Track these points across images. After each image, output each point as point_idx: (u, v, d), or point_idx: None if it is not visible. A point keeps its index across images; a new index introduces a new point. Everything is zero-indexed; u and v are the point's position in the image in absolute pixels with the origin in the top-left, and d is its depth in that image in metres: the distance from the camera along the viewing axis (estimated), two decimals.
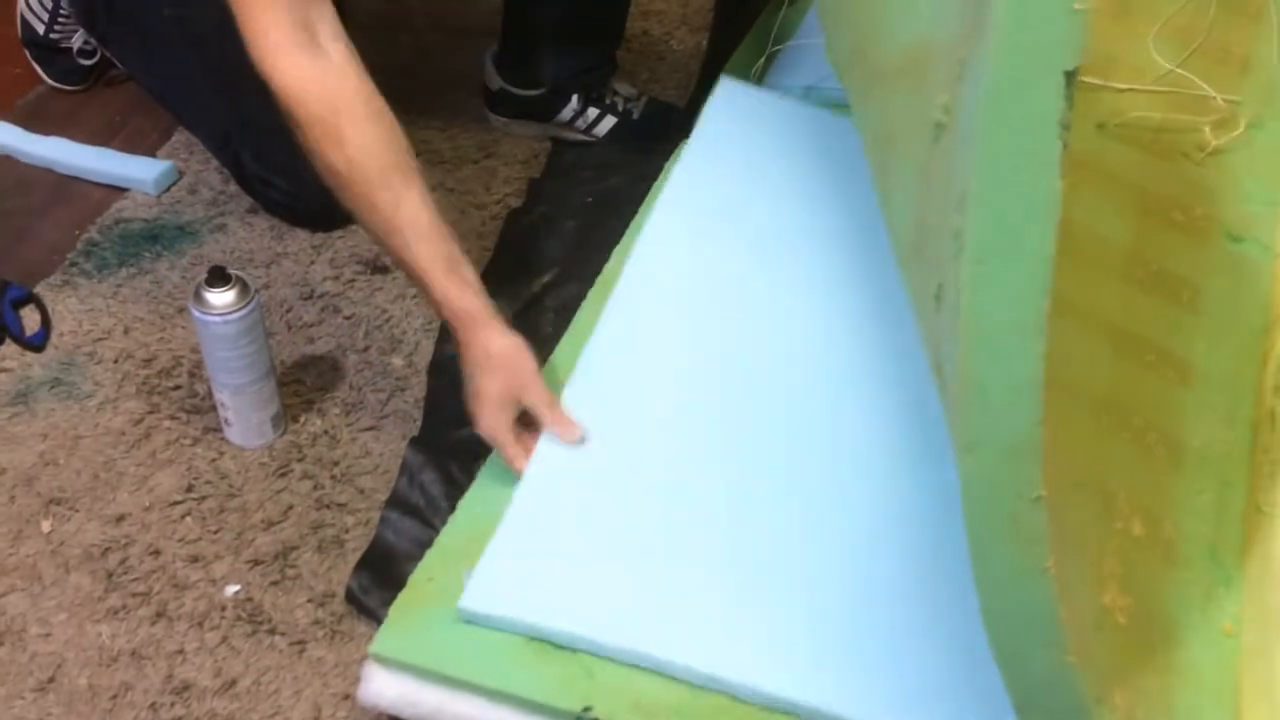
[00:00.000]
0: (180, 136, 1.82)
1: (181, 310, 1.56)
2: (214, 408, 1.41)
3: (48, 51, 1.89)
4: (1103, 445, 1.14)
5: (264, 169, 1.65)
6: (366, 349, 1.54)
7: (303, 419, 1.45)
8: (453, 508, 1.29)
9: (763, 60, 1.81)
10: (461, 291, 1.26)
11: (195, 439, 1.42)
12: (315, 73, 1.23)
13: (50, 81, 1.91)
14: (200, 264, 1.62)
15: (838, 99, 1.67)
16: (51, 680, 1.20)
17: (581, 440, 1.26)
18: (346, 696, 1.20)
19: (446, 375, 1.49)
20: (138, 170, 1.75)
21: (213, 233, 1.68)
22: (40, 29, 1.86)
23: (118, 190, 1.74)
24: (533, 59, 1.79)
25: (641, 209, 1.58)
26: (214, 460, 1.40)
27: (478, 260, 1.63)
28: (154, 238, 1.67)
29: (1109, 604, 1.01)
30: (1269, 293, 1.35)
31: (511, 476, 1.27)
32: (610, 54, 1.84)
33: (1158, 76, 1.56)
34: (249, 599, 1.27)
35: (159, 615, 1.26)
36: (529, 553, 1.20)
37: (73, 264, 1.63)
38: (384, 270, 1.63)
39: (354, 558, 1.30)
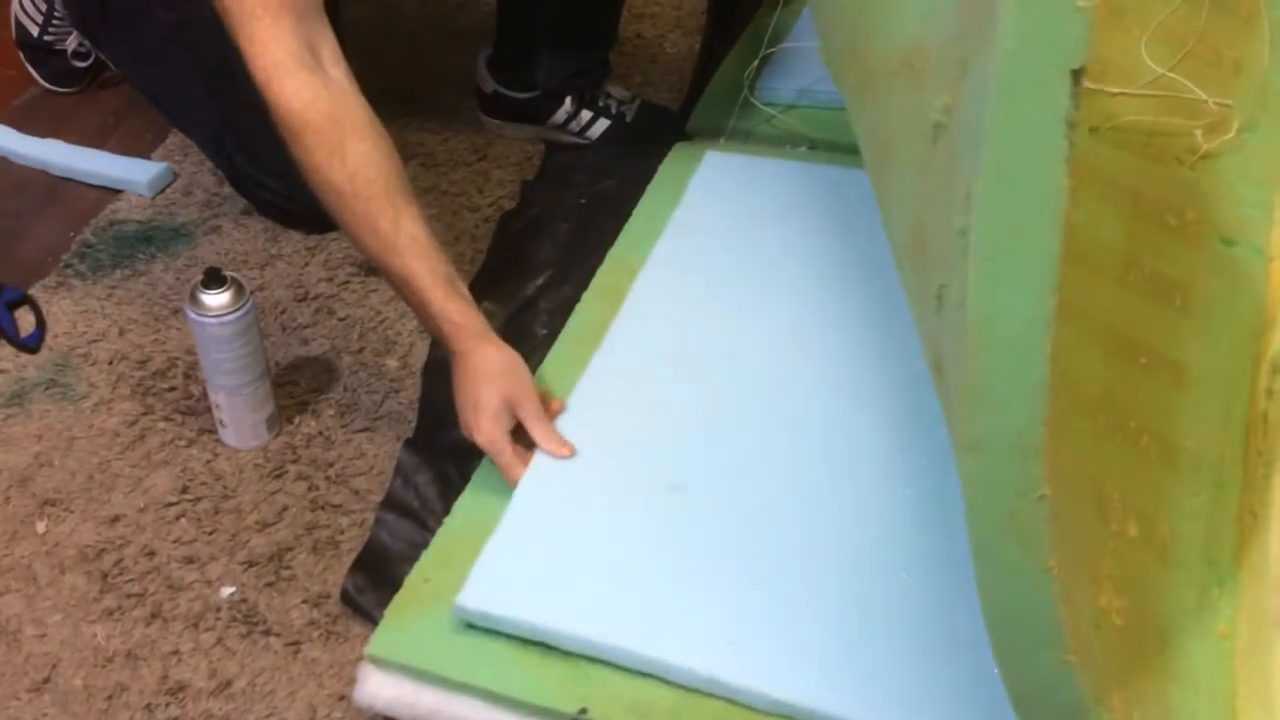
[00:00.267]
0: (175, 138, 1.82)
1: (176, 312, 1.56)
2: (209, 409, 1.41)
3: (42, 54, 1.89)
4: (1098, 447, 1.14)
5: (258, 171, 1.65)
6: (361, 350, 1.54)
7: (297, 420, 1.45)
8: (447, 509, 1.30)
9: (756, 63, 1.81)
10: (460, 306, 1.28)
11: (190, 440, 1.42)
12: (320, 92, 1.26)
13: (44, 83, 1.91)
14: (194, 265, 1.62)
15: (832, 101, 1.68)
16: (47, 681, 1.20)
17: (571, 455, 1.28)
18: (342, 697, 1.19)
19: (441, 377, 1.49)
20: (132, 172, 1.75)
21: (207, 234, 1.68)
22: (34, 31, 1.86)
23: (112, 192, 1.74)
24: (526, 62, 1.79)
25: (629, 226, 1.61)
26: (209, 462, 1.40)
27: (471, 262, 1.64)
28: (148, 239, 1.67)
29: (1105, 605, 1.01)
30: (1262, 295, 1.35)
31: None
32: (604, 57, 1.85)
33: (1150, 80, 1.56)
34: (244, 600, 1.27)
35: (154, 616, 1.25)
36: (525, 554, 1.20)
37: (67, 266, 1.63)
38: (378, 272, 1.62)
39: (349, 559, 1.30)
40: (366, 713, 1.14)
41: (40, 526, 1.33)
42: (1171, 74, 1.56)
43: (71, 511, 1.35)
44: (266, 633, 1.24)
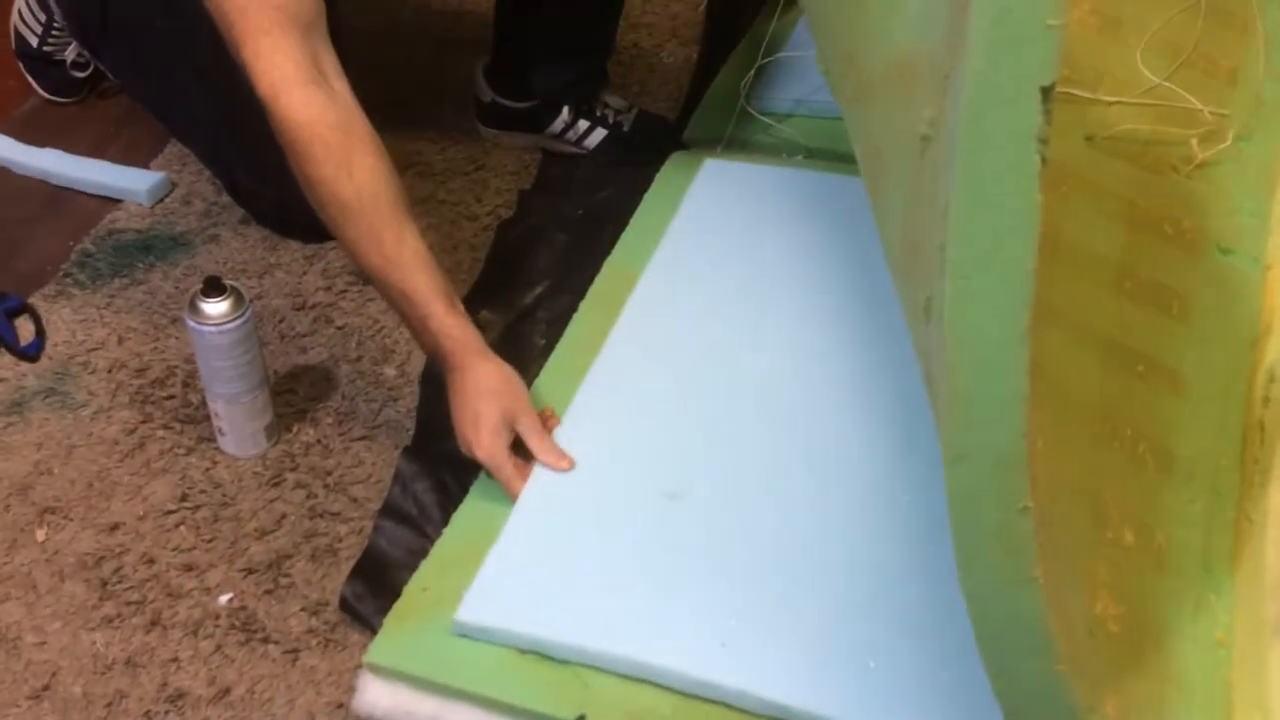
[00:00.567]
0: (173, 148, 1.82)
1: (175, 320, 1.56)
2: (207, 417, 1.42)
3: (41, 64, 1.90)
4: (1094, 455, 1.15)
5: (257, 181, 1.65)
6: (359, 359, 1.54)
7: (295, 428, 1.45)
8: (446, 517, 1.30)
9: (753, 72, 1.81)
10: (459, 322, 1.30)
11: (189, 448, 1.42)
12: (327, 106, 1.26)
13: (44, 94, 1.91)
14: (193, 274, 1.62)
15: (828, 110, 1.69)
16: (46, 688, 1.20)
17: (570, 468, 1.29)
18: (340, 705, 1.19)
19: (439, 385, 1.49)
20: (131, 181, 1.75)
21: (205, 243, 1.69)
22: (34, 42, 1.87)
23: (111, 201, 1.74)
24: (523, 72, 1.80)
25: (626, 235, 1.62)
26: (208, 470, 1.41)
27: (469, 271, 1.64)
28: (147, 248, 1.67)
29: (1101, 613, 1.01)
30: (1258, 304, 1.35)
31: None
32: (601, 66, 1.85)
33: (1146, 90, 1.56)
34: (243, 607, 1.27)
35: (153, 624, 1.26)
36: (525, 564, 1.21)
37: (67, 274, 1.63)
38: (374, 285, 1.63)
39: (347, 566, 1.30)
40: None
41: (40, 534, 1.34)
42: (1167, 83, 1.56)
43: (71, 519, 1.35)
44: (265, 640, 1.25)
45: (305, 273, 1.65)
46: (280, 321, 1.58)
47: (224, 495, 1.38)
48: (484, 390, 1.29)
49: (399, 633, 1.18)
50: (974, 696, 1.02)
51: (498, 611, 1.16)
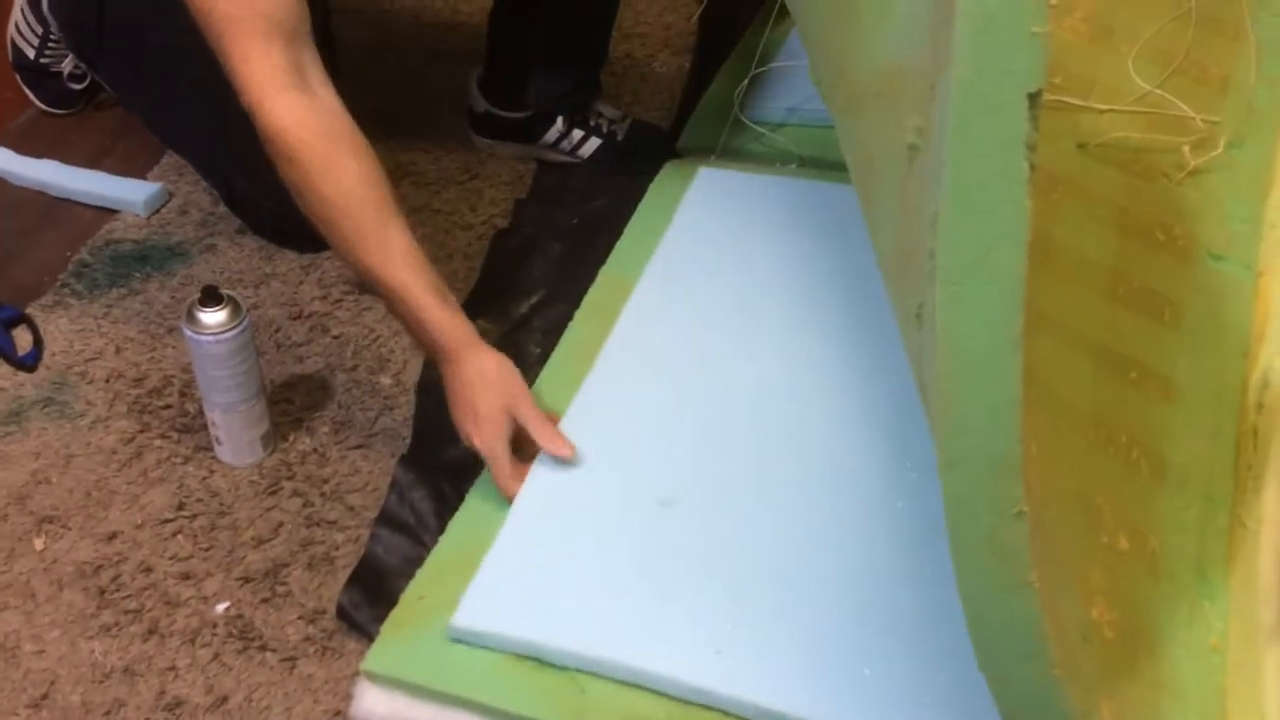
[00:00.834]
0: (170, 159, 1.83)
1: (172, 330, 1.57)
2: (205, 426, 1.42)
3: (38, 75, 1.90)
4: (1088, 461, 1.15)
5: (254, 191, 1.66)
6: (355, 368, 1.55)
7: (292, 437, 1.46)
8: (442, 525, 1.31)
9: (746, 82, 1.82)
10: (453, 317, 1.31)
11: (186, 457, 1.43)
12: (312, 111, 1.28)
13: (41, 105, 1.91)
14: (190, 284, 1.63)
15: (821, 119, 1.70)
16: (45, 697, 1.20)
17: (573, 458, 1.29)
18: (338, 713, 1.20)
19: (435, 394, 1.50)
20: (128, 192, 1.76)
21: (202, 253, 1.69)
22: (30, 53, 1.87)
23: (108, 212, 1.75)
24: (517, 82, 1.81)
25: (620, 244, 1.63)
26: (205, 478, 1.41)
27: (465, 280, 1.65)
28: (144, 259, 1.68)
29: (1096, 618, 1.02)
30: (1250, 310, 1.35)
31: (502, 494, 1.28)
32: (594, 77, 1.85)
33: (1137, 97, 1.57)
34: (240, 616, 1.28)
35: (151, 632, 1.26)
36: (520, 571, 1.21)
37: (64, 285, 1.64)
38: (371, 291, 1.63)
39: (344, 575, 1.31)
40: None
41: (38, 543, 1.34)
42: (1159, 91, 1.57)
43: (69, 528, 1.35)
44: (263, 648, 1.25)
45: (301, 282, 1.65)
46: (276, 331, 1.58)
47: (221, 504, 1.38)
48: (481, 381, 1.30)
49: (396, 640, 1.18)
50: (968, 703, 1.03)
51: (494, 618, 1.17)
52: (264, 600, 1.29)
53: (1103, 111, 1.56)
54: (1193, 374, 1.28)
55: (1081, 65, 1.60)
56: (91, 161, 1.83)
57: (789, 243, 1.59)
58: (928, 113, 0.89)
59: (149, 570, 1.32)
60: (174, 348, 1.55)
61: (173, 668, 1.23)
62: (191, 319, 1.33)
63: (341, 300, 1.63)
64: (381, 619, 1.21)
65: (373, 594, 1.28)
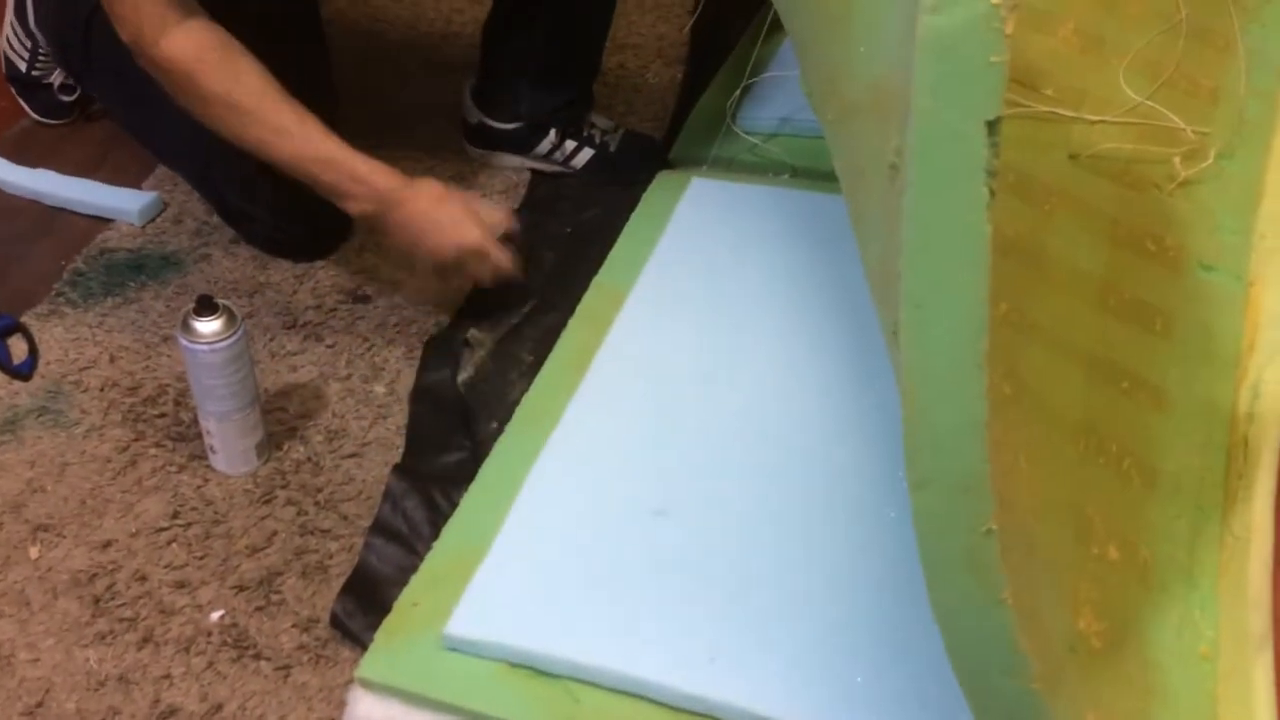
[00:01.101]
0: (164, 168, 1.83)
1: (166, 339, 1.57)
2: (199, 435, 1.42)
3: (30, 87, 1.90)
4: (1079, 471, 1.15)
5: (246, 202, 1.66)
6: (348, 376, 1.55)
7: (286, 446, 1.46)
8: (435, 533, 1.31)
9: (739, 92, 1.83)
10: (383, 167, 1.47)
11: (181, 466, 1.43)
12: (204, 30, 1.39)
13: (35, 115, 1.92)
14: (185, 293, 1.63)
15: (812, 130, 1.71)
16: (40, 705, 1.21)
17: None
18: None
19: (428, 402, 1.51)
20: (123, 201, 1.76)
21: (197, 262, 1.69)
22: (22, 66, 1.88)
23: (103, 221, 1.75)
24: (510, 94, 1.81)
25: (613, 253, 1.64)
26: (199, 487, 1.41)
27: (459, 289, 1.65)
28: (139, 267, 1.68)
29: (1084, 629, 1.02)
30: (1241, 320, 1.36)
31: (495, 503, 1.29)
32: (587, 88, 1.86)
33: (1129, 109, 1.58)
34: (234, 624, 1.28)
35: (146, 640, 1.26)
36: (515, 579, 1.22)
37: (59, 294, 1.64)
38: (365, 299, 1.64)
39: (338, 583, 1.31)
40: None
41: (33, 552, 1.34)
42: (1150, 102, 1.57)
43: (64, 537, 1.35)
44: (257, 657, 1.25)
45: (295, 291, 1.66)
46: (271, 339, 1.59)
47: (215, 513, 1.39)
48: (435, 199, 1.47)
49: (390, 647, 1.19)
50: (961, 712, 1.03)
51: (488, 626, 1.17)
52: (258, 608, 1.29)
53: (1094, 123, 1.57)
54: (1184, 384, 1.28)
55: (1073, 77, 1.60)
56: (86, 170, 1.83)
57: (781, 253, 1.60)
58: (904, 133, 0.90)
59: (144, 578, 1.32)
60: (168, 356, 1.55)
61: (167, 676, 1.23)
62: (187, 328, 1.33)
63: (335, 309, 1.63)
64: (375, 628, 1.21)
65: (366, 603, 1.28)
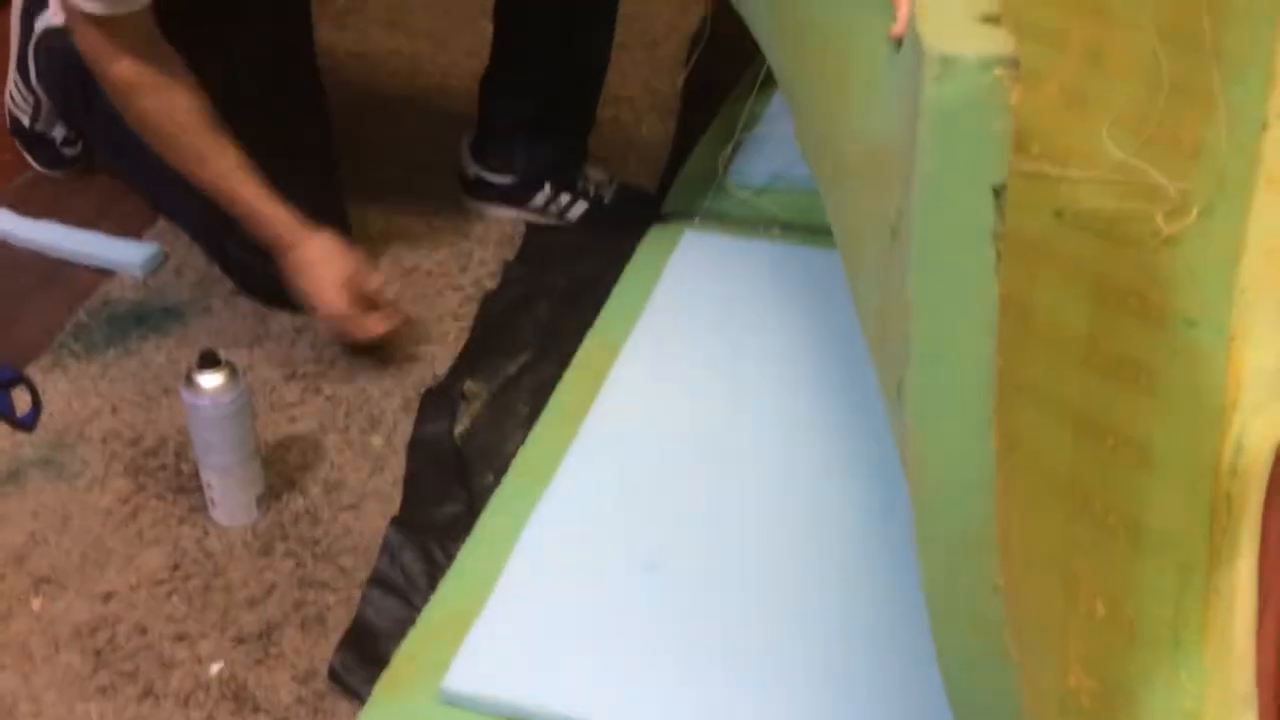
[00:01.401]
0: (165, 220, 1.85)
1: (168, 391, 1.58)
2: (199, 487, 1.44)
3: (34, 140, 1.92)
4: (1066, 528, 1.17)
5: (247, 254, 1.68)
6: (347, 428, 1.57)
7: (285, 497, 1.48)
8: (432, 586, 1.33)
9: (730, 147, 1.86)
10: (284, 211, 1.56)
11: (181, 518, 1.45)
12: (154, 59, 1.48)
13: (39, 167, 1.93)
14: (186, 345, 1.65)
15: (803, 184, 1.72)
16: None
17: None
18: None
19: (425, 454, 1.52)
20: (124, 253, 1.78)
21: (198, 315, 1.71)
22: (25, 121, 1.89)
23: (106, 273, 1.77)
24: (507, 148, 1.84)
25: (608, 305, 1.66)
26: (199, 539, 1.43)
27: (455, 341, 1.67)
28: (141, 320, 1.70)
29: (1074, 686, 1.03)
30: (1224, 376, 1.37)
31: (492, 557, 1.31)
32: (582, 143, 1.88)
33: (1112, 166, 1.60)
34: (233, 677, 1.29)
35: (146, 693, 1.27)
36: (511, 633, 1.23)
37: (62, 345, 1.65)
38: (364, 351, 1.66)
39: (336, 636, 1.32)
40: None
41: (35, 604, 1.35)
42: (1133, 160, 1.60)
43: (66, 589, 1.37)
44: (255, 710, 1.26)
45: (294, 343, 1.67)
46: (270, 391, 1.60)
47: (215, 565, 1.40)
48: (320, 256, 1.57)
49: (388, 701, 1.20)
50: None
51: (485, 680, 1.19)
52: (257, 661, 1.30)
53: (1078, 180, 1.59)
54: (1168, 440, 1.29)
55: (1058, 134, 1.62)
56: (89, 223, 1.84)
57: (773, 307, 1.62)
58: (906, 196, 0.92)
59: (144, 631, 1.33)
60: (170, 408, 1.56)
61: None
62: (190, 384, 1.35)
63: (335, 361, 1.65)
64: (373, 681, 1.23)
65: (364, 656, 1.29)
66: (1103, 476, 1.24)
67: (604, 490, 1.38)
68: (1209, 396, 1.36)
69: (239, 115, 1.58)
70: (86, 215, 1.87)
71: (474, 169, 1.86)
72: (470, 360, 1.65)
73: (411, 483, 1.50)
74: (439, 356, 1.66)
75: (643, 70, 2.18)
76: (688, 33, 2.28)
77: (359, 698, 1.24)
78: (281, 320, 1.70)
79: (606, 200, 1.86)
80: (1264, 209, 1.56)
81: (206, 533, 1.43)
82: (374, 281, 1.62)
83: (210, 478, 1.41)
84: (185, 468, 1.49)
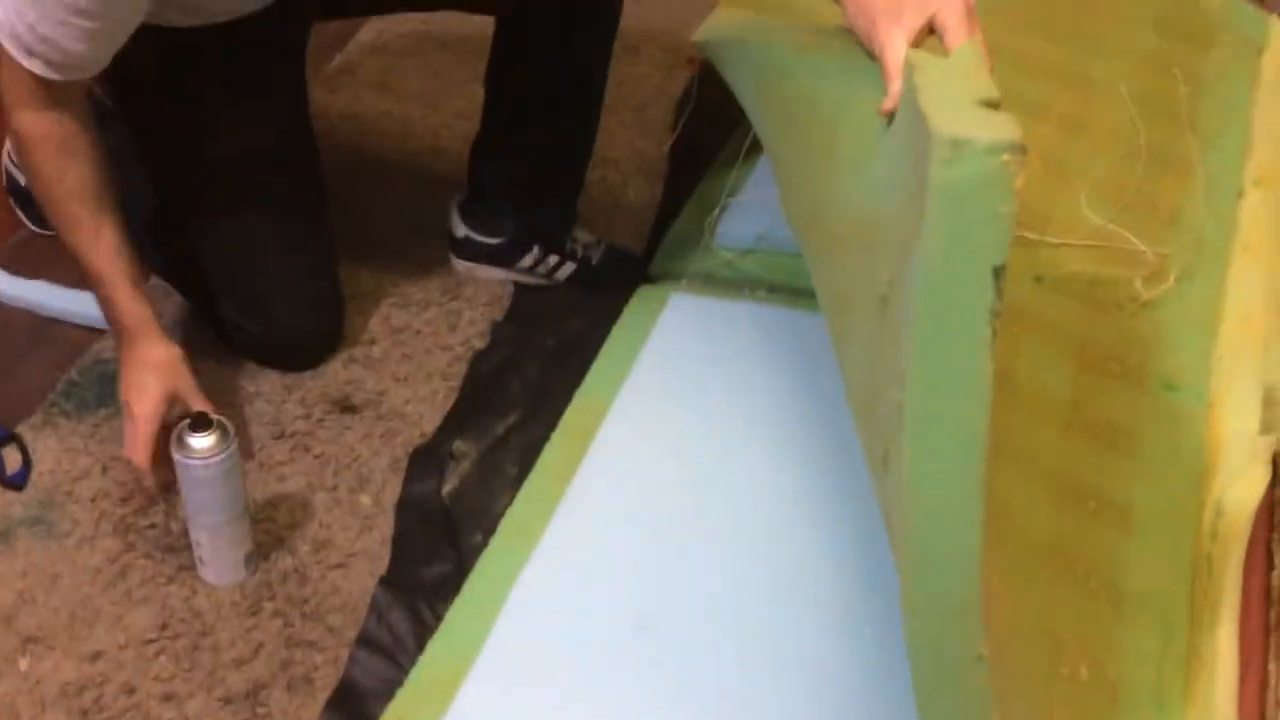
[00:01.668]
0: (157, 279, 1.86)
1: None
2: (188, 546, 1.44)
3: (28, 200, 1.93)
4: (1047, 592, 1.18)
5: (237, 314, 1.69)
6: (335, 487, 1.57)
7: (273, 556, 1.48)
8: (420, 647, 1.33)
9: (718, 211, 1.88)
10: (140, 306, 1.51)
11: (170, 577, 1.45)
12: (58, 121, 1.44)
13: (32, 226, 1.94)
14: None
15: (788, 247, 1.75)
16: None
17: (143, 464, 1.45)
18: None
19: (413, 513, 1.53)
20: None
21: None
22: (21, 180, 1.91)
23: (97, 332, 1.76)
24: (497, 211, 1.85)
25: (596, 366, 1.68)
26: (188, 598, 1.43)
27: (444, 401, 1.68)
28: None
29: None
30: (1203, 440, 1.38)
31: (480, 617, 1.32)
32: (570, 206, 1.90)
33: (1091, 231, 1.62)
34: None
35: None
36: (500, 695, 1.24)
37: (53, 404, 1.66)
38: (353, 410, 1.67)
39: (323, 696, 1.32)
40: None
41: (23, 664, 1.35)
42: (1111, 225, 1.62)
43: (54, 649, 1.37)
44: None
45: (284, 401, 1.68)
46: (259, 450, 1.61)
47: (203, 624, 1.40)
48: (151, 364, 1.49)
49: None
50: None
51: None
52: None
53: (1058, 245, 1.60)
54: (1149, 503, 1.31)
55: (1038, 201, 1.65)
56: (81, 282, 1.82)
57: (758, 368, 1.64)
58: (898, 267, 0.94)
59: (132, 691, 1.33)
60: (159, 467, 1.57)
61: None
62: (181, 444, 1.36)
63: (323, 420, 1.66)
64: None
65: (351, 716, 1.30)
66: (1085, 540, 1.25)
67: (592, 550, 1.39)
68: (1189, 460, 1.37)
69: (232, 175, 1.60)
70: (79, 275, 1.86)
71: (463, 230, 1.88)
72: (459, 420, 1.66)
73: (400, 542, 1.50)
74: (427, 416, 1.67)
75: (630, 133, 2.21)
76: (675, 97, 2.31)
77: None
78: (270, 379, 1.71)
79: (594, 261, 1.88)
80: (1240, 275, 1.58)
81: (195, 591, 1.44)
82: (196, 401, 1.50)
83: (200, 536, 1.41)
84: (174, 527, 1.50)
